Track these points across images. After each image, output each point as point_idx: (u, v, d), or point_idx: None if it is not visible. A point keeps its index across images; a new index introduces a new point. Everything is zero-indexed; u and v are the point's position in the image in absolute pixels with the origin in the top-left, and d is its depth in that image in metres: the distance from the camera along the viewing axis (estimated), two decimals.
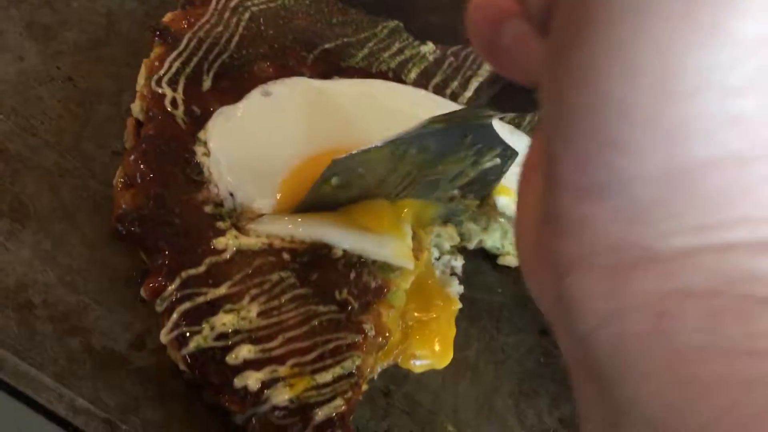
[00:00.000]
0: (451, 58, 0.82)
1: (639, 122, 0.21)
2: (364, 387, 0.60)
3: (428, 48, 0.82)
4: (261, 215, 0.63)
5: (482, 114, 0.53)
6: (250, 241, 0.61)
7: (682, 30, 0.20)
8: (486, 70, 0.82)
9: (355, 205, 0.64)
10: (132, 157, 0.64)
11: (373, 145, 0.58)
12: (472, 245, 0.75)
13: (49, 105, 0.69)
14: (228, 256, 0.60)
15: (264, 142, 0.66)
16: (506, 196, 0.70)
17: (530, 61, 0.29)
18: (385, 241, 0.63)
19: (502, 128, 0.76)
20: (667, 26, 0.21)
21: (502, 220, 0.73)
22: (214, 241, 0.61)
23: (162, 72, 0.68)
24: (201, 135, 0.66)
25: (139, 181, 0.63)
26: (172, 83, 0.68)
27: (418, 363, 0.65)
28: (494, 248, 0.76)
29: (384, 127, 0.69)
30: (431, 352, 0.66)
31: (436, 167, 0.62)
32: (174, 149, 0.65)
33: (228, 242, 0.61)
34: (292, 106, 0.69)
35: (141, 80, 0.70)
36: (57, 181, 0.65)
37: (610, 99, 0.22)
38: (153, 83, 0.68)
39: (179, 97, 0.67)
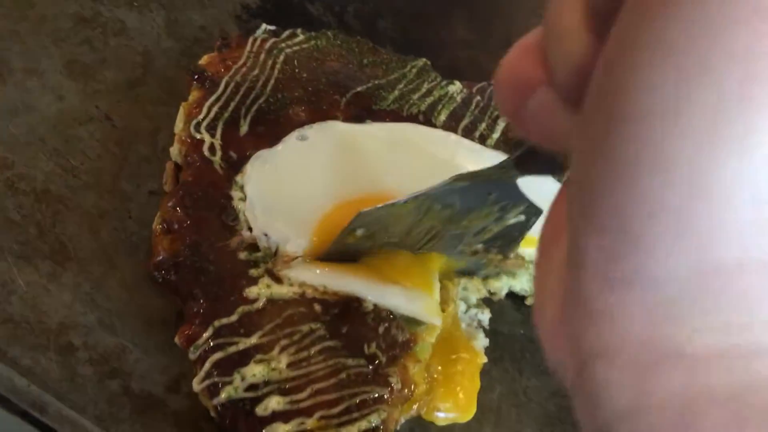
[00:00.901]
0: (478, 97, 0.84)
1: (670, 224, 0.22)
2: None
3: (455, 88, 0.83)
4: (295, 258, 0.65)
5: (506, 174, 0.53)
6: (282, 290, 0.62)
7: (716, 134, 0.21)
8: None
9: (386, 258, 0.65)
10: (170, 203, 0.66)
11: (399, 200, 0.59)
12: (502, 295, 0.77)
13: (89, 145, 0.71)
14: (260, 306, 0.61)
15: (299, 186, 0.68)
16: (532, 247, 0.72)
17: (557, 130, 0.29)
18: (415, 297, 0.64)
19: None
20: (702, 127, 0.21)
21: (529, 266, 0.74)
22: (246, 290, 0.62)
23: (201, 117, 0.70)
24: (238, 178, 0.68)
25: (176, 227, 0.65)
26: (211, 129, 0.70)
27: (441, 416, 0.66)
28: (522, 291, 0.78)
29: (416, 172, 0.71)
30: (455, 405, 0.66)
31: (460, 222, 0.63)
32: (211, 195, 0.67)
33: (260, 291, 0.62)
34: (327, 150, 0.70)
35: (180, 124, 0.72)
36: (96, 222, 0.67)
37: (640, 197, 0.22)
38: (192, 128, 0.69)
39: (217, 142, 0.69)
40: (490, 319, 0.74)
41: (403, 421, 0.65)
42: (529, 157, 0.44)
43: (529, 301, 0.79)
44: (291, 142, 0.71)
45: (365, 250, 0.65)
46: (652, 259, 0.22)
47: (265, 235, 0.66)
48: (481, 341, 0.70)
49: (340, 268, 0.64)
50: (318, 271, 0.64)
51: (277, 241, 0.66)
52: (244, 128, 0.71)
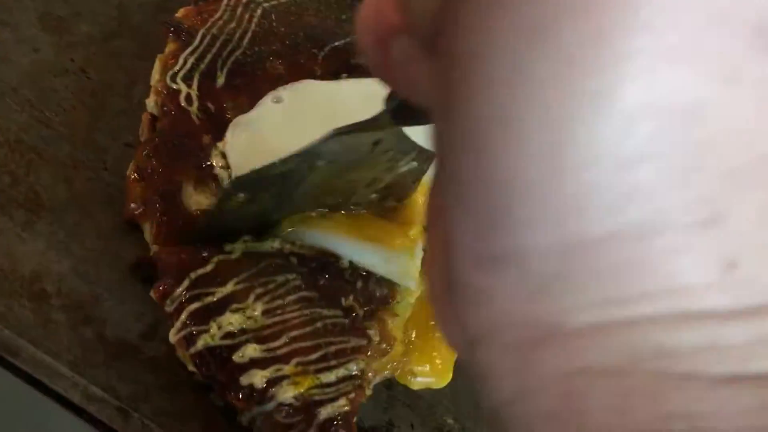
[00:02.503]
0: None
1: (530, 197, 0.20)
2: (368, 392, 0.61)
3: None
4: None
5: (385, 125, 0.50)
6: (257, 245, 0.62)
7: (566, 99, 0.19)
8: None
9: (370, 218, 0.65)
10: (145, 151, 0.65)
11: (275, 161, 0.56)
12: None
13: (63, 97, 0.71)
14: (235, 257, 0.61)
15: (277, 152, 0.67)
16: None
17: (421, 83, 0.26)
18: (393, 258, 0.63)
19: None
20: (549, 93, 0.19)
21: None
22: (224, 245, 0.62)
23: (177, 68, 0.69)
24: (219, 145, 0.67)
25: (150, 173, 0.64)
26: (187, 79, 0.69)
27: (417, 380, 0.66)
28: None
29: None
30: (432, 370, 0.66)
31: (347, 176, 0.60)
32: (187, 145, 0.66)
33: (236, 245, 0.62)
34: (304, 112, 0.70)
35: (156, 75, 0.71)
36: (71, 172, 0.67)
37: (498, 171, 0.20)
38: (168, 79, 0.69)
39: (194, 93, 0.69)
40: None
41: (378, 380, 0.65)
42: (404, 109, 0.41)
43: None
44: (266, 105, 0.70)
45: (251, 216, 0.62)
46: (519, 235, 0.21)
47: None
48: None
49: (320, 223, 0.64)
50: (304, 232, 0.63)
51: None
52: (221, 80, 0.71)
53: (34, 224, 0.63)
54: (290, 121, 0.69)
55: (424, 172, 0.62)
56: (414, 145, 0.57)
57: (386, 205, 0.67)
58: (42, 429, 0.54)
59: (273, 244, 0.63)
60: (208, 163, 0.67)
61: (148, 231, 0.64)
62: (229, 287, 0.60)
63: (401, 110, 0.43)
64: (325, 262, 0.63)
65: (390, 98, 0.44)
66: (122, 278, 0.63)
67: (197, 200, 0.65)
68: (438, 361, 0.67)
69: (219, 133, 0.68)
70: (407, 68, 0.27)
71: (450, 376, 0.68)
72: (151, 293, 0.60)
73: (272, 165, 0.56)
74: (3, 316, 0.57)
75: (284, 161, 0.56)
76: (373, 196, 0.64)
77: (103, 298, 0.61)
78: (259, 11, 0.77)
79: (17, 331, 0.56)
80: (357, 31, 0.28)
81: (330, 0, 0.82)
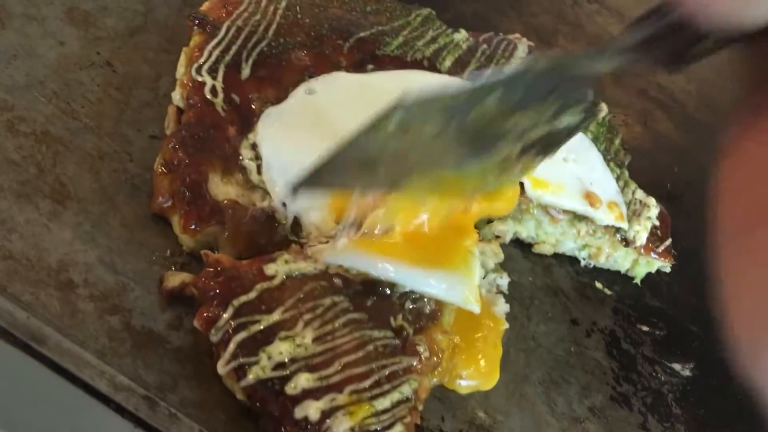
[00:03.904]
0: (484, 46, 0.83)
1: None
2: (420, 408, 0.59)
3: (461, 36, 0.82)
4: (325, 241, 0.63)
5: (596, 65, 0.48)
6: (302, 266, 0.61)
7: None
8: (519, 57, 0.83)
9: (421, 235, 0.63)
10: (172, 143, 0.65)
11: (455, 88, 0.52)
12: (507, 240, 0.76)
13: (89, 89, 0.70)
14: (279, 282, 0.60)
15: (311, 144, 0.65)
16: (541, 189, 0.70)
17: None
18: (454, 282, 0.62)
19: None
20: None
21: (534, 211, 0.73)
22: (264, 266, 0.60)
23: (202, 60, 0.69)
24: (250, 137, 0.67)
25: (176, 165, 0.64)
26: (212, 71, 0.69)
27: (464, 383, 0.65)
28: (529, 238, 0.77)
29: None
30: (477, 372, 0.65)
31: (509, 119, 0.55)
32: (213, 137, 0.66)
33: (278, 268, 0.60)
34: (336, 104, 0.69)
35: (181, 68, 0.71)
36: (97, 163, 0.66)
37: None
38: (193, 71, 0.69)
39: (219, 85, 0.68)
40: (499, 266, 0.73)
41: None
42: (658, 40, 0.40)
43: (536, 249, 0.78)
44: (299, 96, 0.70)
45: (382, 167, 0.55)
46: None
47: (284, 204, 0.65)
48: (501, 307, 0.69)
49: (374, 249, 0.62)
50: (353, 256, 0.62)
51: (296, 210, 0.65)
52: (245, 71, 0.70)
53: (60, 214, 0.63)
54: (324, 113, 0.68)
55: (581, 128, 0.59)
56: (587, 96, 0.54)
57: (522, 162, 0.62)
58: (69, 417, 0.53)
59: (317, 266, 0.61)
60: (235, 153, 0.66)
61: (176, 222, 0.63)
62: (276, 315, 0.58)
63: (653, 41, 0.40)
64: (371, 281, 0.62)
65: (639, 27, 0.41)
66: (147, 268, 0.62)
67: (224, 190, 0.64)
68: (483, 363, 0.66)
69: (244, 125, 0.68)
70: None
71: (497, 376, 0.67)
72: (195, 322, 0.59)
73: (444, 92, 0.52)
74: (30, 304, 0.57)
75: (466, 90, 0.52)
76: (519, 147, 0.58)
77: (129, 288, 0.61)
78: (283, 3, 0.77)
79: (44, 319, 0.56)
80: None
81: None
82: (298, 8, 0.77)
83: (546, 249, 0.76)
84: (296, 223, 0.65)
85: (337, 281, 0.61)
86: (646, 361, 0.77)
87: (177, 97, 0.70)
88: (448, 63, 0.79)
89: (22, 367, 0.54)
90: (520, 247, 0.78)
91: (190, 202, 0.63)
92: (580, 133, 0.79)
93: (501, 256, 0.72)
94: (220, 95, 0.69)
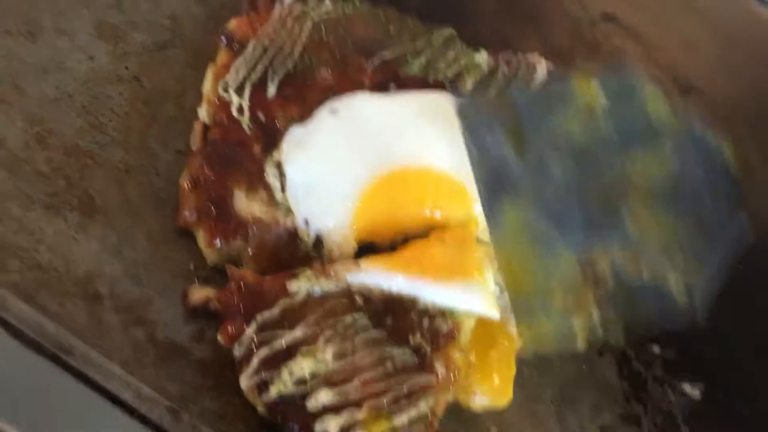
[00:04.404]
0: (504, 67, 0.84)
1: None
2: (437, 424, 0.61)
3: (482, 56, 0.84)
4: (352, 262, 0.65)
5: None
6: (325, 284, 0.62)
7: None
8: (538, 79, 0.84)
9: (433, 247, 0.65)
10: (198, 160, 0.66)
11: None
12: None
13: (117, 104, 0.72)
14: (301, 298, 0.61)
15: (336, 164, 0.68)
16: None
17: None
18: (471, 290, 0.64)
19: None
20: None
21: None
22: (287, 282, 0.62)
23: (229, 79, 0.71)
24: (275, 154, 0.68)
25: (203, 183, 0.65)
26: (239, 90, 0.71)
27: (478, 401, 0.66)
28: None
29: (448, 142, 0.70)
30: (491, 390, 0.66)
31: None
32: (239, 154, 0.67)
33: (301, 285, 0.62)
34: (358, 124, 0.71)
35: (207, 85, 0.72)
36: (123, 177, 0.68)
37: None
38: (220, 89, 0.70)
39: (245, 103, 0.70)
40: None
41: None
42: None
43: None
44: (323, 116, 0.71)
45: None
46: None
47: (306, 222, 0.66)
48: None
49: (392, 265, 0.64)
50: (373, 274, 0.64)
51: (318, 228, 0.67)
52: (271, 90, 0.72)
53: (87, 227, 0.64)
54: (347, 133, 0.70)
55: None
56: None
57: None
58: (94, 426, 0.55)
59: (340, 284, 0.63)
60: (260, 171, 0.68)
61: (201, 237, 0.65)
62: (298, 332, 0.60)
63: None
64: (391, 299, 0.63)
65: None
66: (171, 281, 0.64)
67: (249, 207, 0.66)
68: (497, 381, 0.67)
69: (269, 143, 0.69)
70: None
71: (510, 395, 0.67)
72: (219, 337, 0.60)
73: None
74: (57, 315, 0.58)
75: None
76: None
77: (154, 300, 0.63)
78: (309, 23, 0.78)
79: (71, 330, 0.57)
80: None
81: (378, 12, 0.83)
82: (323, 27, 0.78)
83: None
84: (318, 241, 0.66)
85: (358, 299, 0.62)
86: (657, 381, 0.78)
87: (203, 113, 0.72)
88: (469, 85, 0.80)
89: (49, 377, 0.56)
90: None
91: (215, 218, 0.64)
92: None
93: None
94: (246, 113, 0.70)
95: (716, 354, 0.82)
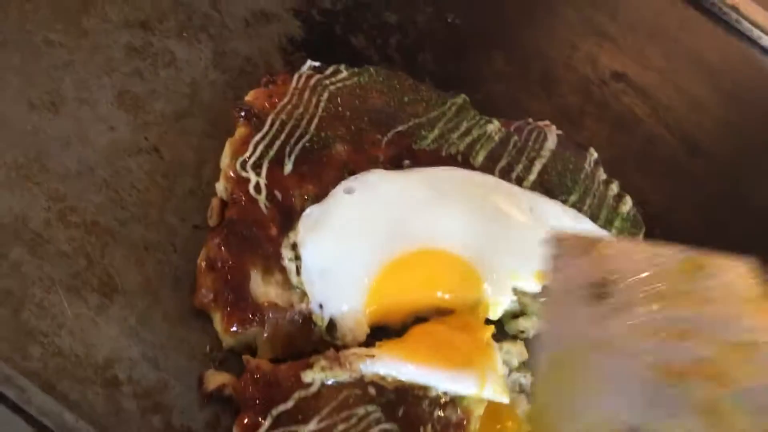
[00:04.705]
0: (515, 137, 0.85)
1: None
2: None
3: (494, 127, 0.85)
4: (365, 351, 0.66)
5: None
6: (339, 374, 0.64)
7: None
8: (548, 150, 0.86)
9: (440, 333, 0.67)
10: (215, 240, 0.68)
11: None
12: (530, 335, 0.78)
13: (137, 177, 0.73)
14: (314, 390, 0.63)
15: (350, 249, 0.69)
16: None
17: None
18: (482, 375, 0.65)
19: (565, 213, 0.79)
20: None
21: None
22: (301, 373, 0.63)
23: (247, 155, 0.72)
24: (291, 235, 0.70)
25: (220, 265, 0.67)
26: (256, 167, 0.72)
27: None
28: None
29: (464, 220, 0.72)
30: None
31: None
32: (255, 235, 0.69)
33: (315, 375, 0.63)
34: (373, 204, 0.72)
35: (225, 159, 0.74)
36: (143, 254, 0.69)
37: None
38: (238, 166, 0.71)
39: (262, 181, 0.71)
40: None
41: None
42: None
43: None
44: (338, 195, 0.72)
45: None
46: None
47: (321, 306, 0.68)
48: (525, 408, 0.70)
49: (404, 353, 0.65)
50: (386, 364, 0.65)
51: (332, 313, 0.68)
52: (288, 167, 0.73)
53: (107, 309, 0.66)
54: (362, 214, 0.71)
55: None
56: None
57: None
58: None
59: (354, 375, 0.64)
60: (276, 253, 0.69)
61: (218, 321, 0.66)
62: (312, 425, 0.61)
63: None
64: (404, 390, 0.65)
65: None
66: (187, 365, 0.66)
67: (265, 290, 0.67)
68: None
69: (285, 222, 0.71)
70: None
71: None
72: (235, 429, 0.62)
73: None
74: (77, 404, 0.60)
75: None
76: None
77: (170, 385, 0.64)
78: (326, 94, 0.79)
79: (90, 419, 0.59)
80: None
81: (393, 82, 0.85)
82: (339, 99, 0.80)
83: None
84: (332, 325, 0.68)
85: (371, 389, 0.64)
86: None
87: (221, 188, 0.73)
88: (480, 158, 0.81)
89: None
90: None
91: (232, 304, 0.66)
92: (604, 229, 0.82)
93: (525, 355, 0.74)
94: (263, 192, 0.71)
95: None
